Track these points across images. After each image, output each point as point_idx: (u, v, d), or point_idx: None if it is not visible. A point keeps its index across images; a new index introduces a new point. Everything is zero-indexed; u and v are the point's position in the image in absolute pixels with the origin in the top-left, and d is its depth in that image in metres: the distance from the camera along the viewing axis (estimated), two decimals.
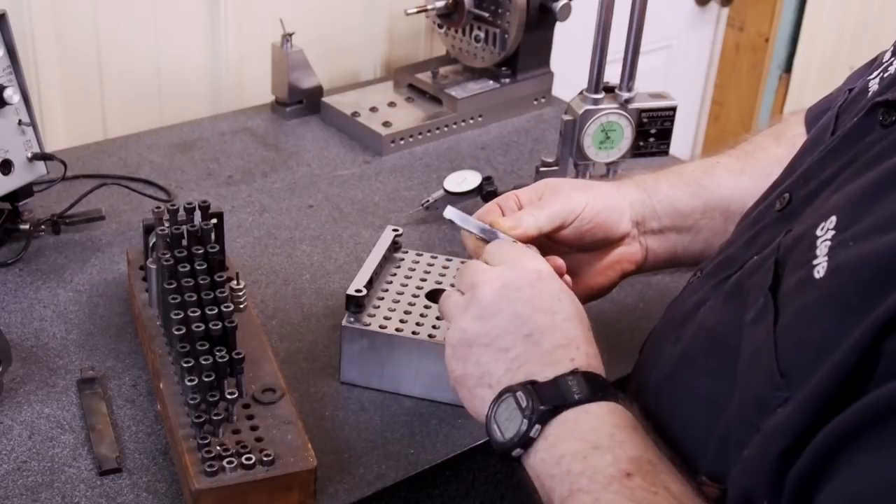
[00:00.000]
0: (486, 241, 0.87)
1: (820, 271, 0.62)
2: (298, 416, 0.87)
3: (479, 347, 0.76)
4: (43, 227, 1.15)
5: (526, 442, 0.71)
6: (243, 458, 0.80)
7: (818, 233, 0.64)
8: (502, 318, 0.76)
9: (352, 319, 0.95)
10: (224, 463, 0.80)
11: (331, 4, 1.59)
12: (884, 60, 0.78)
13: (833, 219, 0.64)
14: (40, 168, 1.14)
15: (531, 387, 0.73)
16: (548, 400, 0.71)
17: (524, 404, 0.71)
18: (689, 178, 0.98)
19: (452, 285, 0.86)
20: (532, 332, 0.75)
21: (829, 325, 0.59)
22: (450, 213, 0.88)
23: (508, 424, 0.72)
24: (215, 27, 1.49)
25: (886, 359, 0.55)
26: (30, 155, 1.11)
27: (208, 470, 0.79)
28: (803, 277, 0.63)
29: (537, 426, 0.71)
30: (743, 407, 0.65)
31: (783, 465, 0.60)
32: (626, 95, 1.36)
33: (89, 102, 1.44)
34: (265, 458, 0.81)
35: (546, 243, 0.91)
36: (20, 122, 1.10)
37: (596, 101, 1.36)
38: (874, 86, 0.76)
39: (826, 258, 0.62)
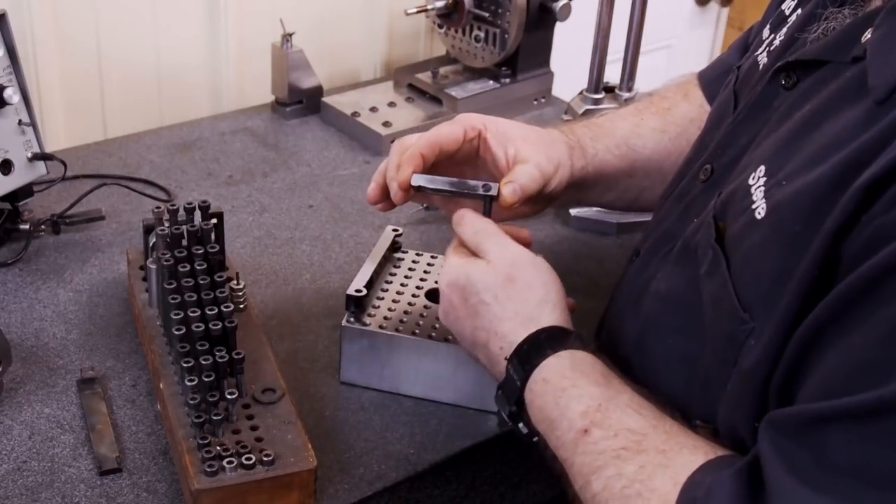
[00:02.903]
0: (461, 195, 0.91)
1: (760, 213, 0.69)
2: (298, 416, 0.87)
3: (473, 352, 0.87)
4: (43, 227, 1.15)
5: (526, 435, 0.81)
6: (243, 458, 0.80)
7: (750, 182, 0.71)
8: (461, 338, 0.87)
9: (352, 319, 0.95)
10: (224, 463, 0.80)
11: (331, 4, 1.59)
12: (763, 38, 0.86)
13: (762, 168, 0.71)
14: (40, 168, 1.13)
15: (500, 392, 0.83)
16: (511, 397, 0.81)
17: (503, 415, 0.83)
18: (620, 140, 1.03)
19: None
20: (472, 340, 0.86)
21: (780, 256, 0.66)
22: (416, 179, 0.91)
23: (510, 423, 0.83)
24: (215, 27, 1.49)
25: (845, 261, 0.61)
26: (30, 155, 1.11)
27: (208, 470, 0.79)
28: (746, 222, 0.70)
29: (521, 425, 0.81)
30: (716, 350, 0.71)
31: (765, 389, 0.66)
32: (626, 95, 1.37)
33: (89, 102, 1.44)
34: (265, 458, 0.81)
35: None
36: (20, 122, 1.10)
37: (596, 101, 1.36)
38: (763, 59, 0.83)
39: (764, 200, 0.69)
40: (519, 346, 0.81)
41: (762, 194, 0.69)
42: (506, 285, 0.83)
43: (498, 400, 0.82)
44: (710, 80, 1.07)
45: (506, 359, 0.81)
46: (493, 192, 0.90)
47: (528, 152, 0.94)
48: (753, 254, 0.68)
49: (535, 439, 0.80)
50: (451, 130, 0.94)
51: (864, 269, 0.59)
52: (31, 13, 1.32)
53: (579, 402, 0.75)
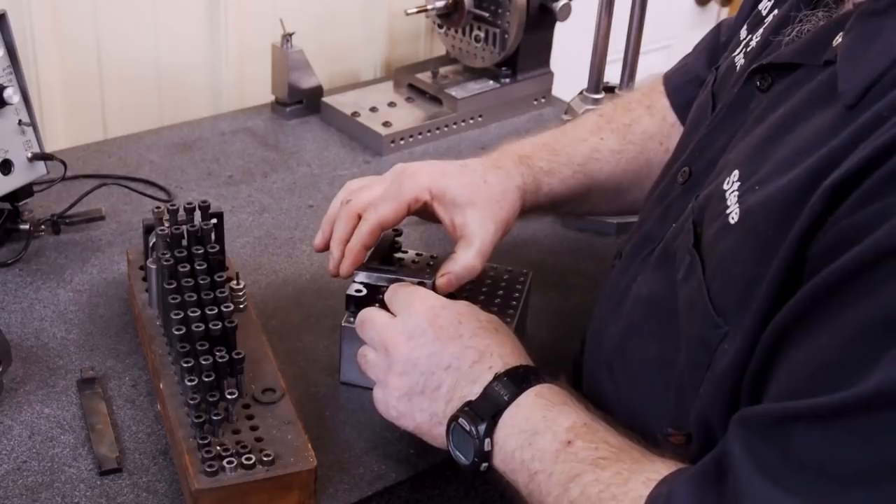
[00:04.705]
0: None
1: (734, 217, 0.69)
2: (298, 416, 0.87)
3: (416, 397, 0.84)
4: (43, 227, 1.15)
5: (484, 456, 0.79)
6: (243, 458, 0.80)
7: (725, 187, 0.72)
8: (422, 364, 0.83)
9: (352, 319, 0.95)
10: (224, 463, 0.80)
11: (331, 4, 1.59)
12: (741, 38, 0.86)
13: (736, 172, 0.71)
14: (40, 168, 1.13)
15: (468, 408, 0.80)
16: (485, 413, 0.79)
17: (468, 428, 0.79)
18: (577, 168, 1.04)
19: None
20: (450, 362, 0.83)
21: (752, 260, 0.66)
22: (359, 276, 0.96)
23: (465, 449, 0.80)
24: (215, 27, 1.49)
25: (810, 262, 0.62)
26: (30, 155, 1.11)
27: (208, 470, 0.79)
28: (720, 227, 0.70)
29: (487, 440, 0.78)
30: (689, 354, 0.72)
31: (737, 393, 0.66)
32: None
33: (89, 102, 1.44)
34: (265, 458, 0.81)
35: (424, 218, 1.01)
36: (20, 122, 1.10)
37: (596, 101, 1.36)
38: (740, 61, 0.84)
39: (737, 205, 0.69)
40: (514, 368, 0.81)
41: (736, 199, 0.70)
42: (504, 325, 0.88)
43: (465, 415, 0.79)
44: (676, 88, 1.08)
45: (496, 375, 0.81)
46: (428, 287, 0.93)
47: (474, 227, 0.95)
48: (727, 258, 0.69)
49: (485, 466, 0.79)
50: (394, 210, 0.96)
51: (828, 272, 0.59)
52: (31, 13, 1.32)
53: (567, 417, 0.76)
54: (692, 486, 0.65)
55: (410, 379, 0.83)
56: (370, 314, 0.88)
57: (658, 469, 0.69)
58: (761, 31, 0.83)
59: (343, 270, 0.96)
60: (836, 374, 0.58)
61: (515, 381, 0.80)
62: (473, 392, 0.81)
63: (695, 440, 0.73)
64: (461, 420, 0.80)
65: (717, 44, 1.05)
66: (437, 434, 0.83)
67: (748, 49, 0.83)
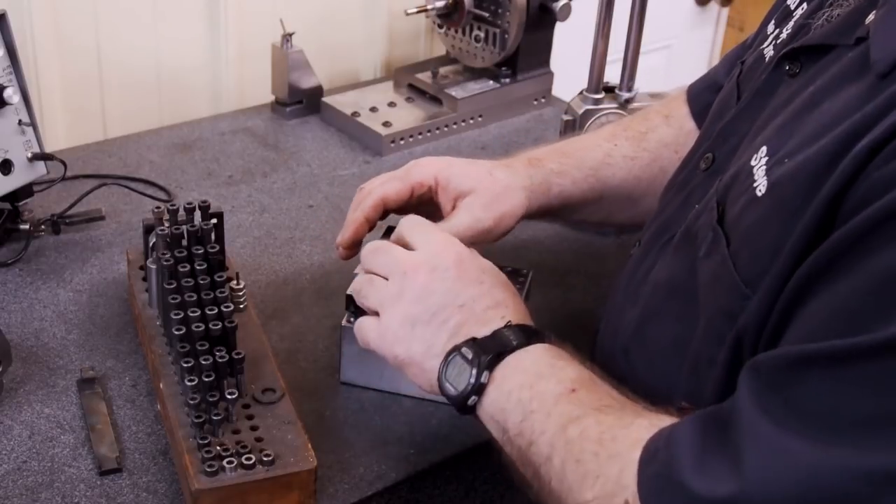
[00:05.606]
0: None
1: (761, 189, 0.69)
2: (298, 416, 0.87)
3: (421, 326, 0.82)
4: (43, 227, 1.15)
5: (478, 389, 0.77)
6: (243, 458, 0.80)
7: (752, 163, 0.71)
8: (438, 296, 0.82)
9: (352, 319, 0.95)
10: (224, 463, 0.80)
11: (331, 4, 1.59)
12: (769, 33, 0.86)
13: (764, 149, 0.71)
14: (40, 168, 1.14)
15: (473, 342, 0.79)
16: (490, 349, 0.78)
17: (470, 357, 0.78)
18: (588, 172, 1.04)
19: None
20: (465, 301, 0.82)
21: (780, 230, 0.66)
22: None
23: (459, 378, 0.78)
24: (215, 27, 1.49)
25: (842, 217, 0.61)
26: (30, 155, 1.11)
27: (208, 470, 0.79)
28: (746, 200, 0.70)
29: (486, 372, 0.77)
30: (709, 327, 0.72)
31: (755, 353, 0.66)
32: (626, 95, 1.36)
33: (89, 102, 1.44)
34: (265, 458, 0.81)
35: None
36: (20, 122, 1.10)
37: (596, 101, 1.36)
38: (769, 52, 0.83)
39: (765, 178, 0.69)
40: (527, 325, 0.81)
41: (764, 173, 0.69)
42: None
43: (469, 346, 0.78)
44: (696, 94, 1.08)
45: (507, 323, 0.80)
46: None
47: (460, 209, 0.97)
48: (754, 231, 0.69)
49: (474, 399, 0.77)
50: (398, 189, 0.98)
51: (855, 221, 0.59)
52: (31, 14, 1.32)
53: (574, 369, 0.77)
54: (695, 424, 0.65)
55: (420, 306, 0.82)
56: (384, 245, 0.87)
57: (663, 419, 0.69)
58: (791, 23, 0.82)
59: (341, 239, 0.98)
60: (854, 322, 0.58)
61: (526, 333, 0.80)
62: (482, 332, 0.80)
63: None
64: (464, 349, 0.79)
65: (742, 53, 1.03)
66: (427, 367, 0.81)
67: (777, 41, 0.83)
